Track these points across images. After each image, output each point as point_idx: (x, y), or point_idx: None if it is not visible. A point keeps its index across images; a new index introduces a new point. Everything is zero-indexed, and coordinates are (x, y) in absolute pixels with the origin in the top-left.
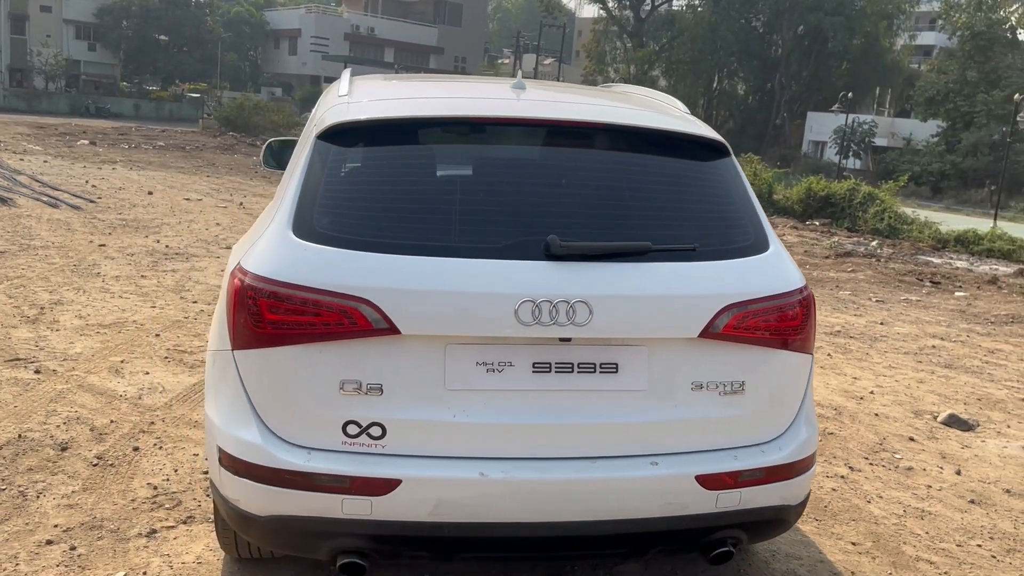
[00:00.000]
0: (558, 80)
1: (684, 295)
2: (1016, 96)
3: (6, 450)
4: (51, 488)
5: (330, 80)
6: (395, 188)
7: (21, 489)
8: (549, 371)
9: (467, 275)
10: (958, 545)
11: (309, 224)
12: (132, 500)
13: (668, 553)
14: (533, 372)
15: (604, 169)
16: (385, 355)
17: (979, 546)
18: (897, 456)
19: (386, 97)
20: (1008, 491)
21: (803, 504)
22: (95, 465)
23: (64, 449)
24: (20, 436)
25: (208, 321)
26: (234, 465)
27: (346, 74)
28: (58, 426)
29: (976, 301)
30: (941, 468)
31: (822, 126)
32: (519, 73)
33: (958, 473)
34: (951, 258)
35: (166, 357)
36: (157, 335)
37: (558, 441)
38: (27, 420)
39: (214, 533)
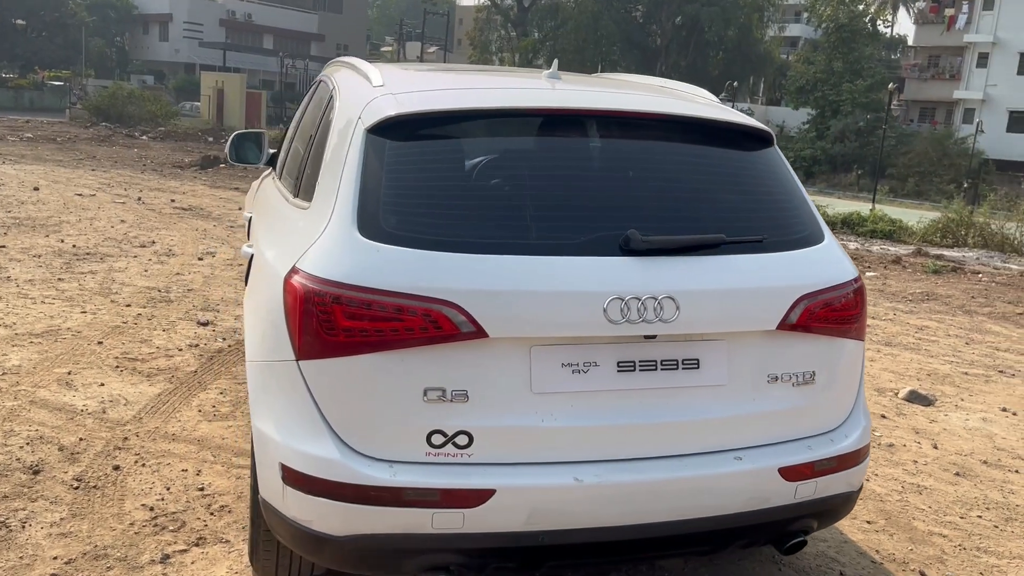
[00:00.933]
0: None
1: (762, 287)
2: (890, 86)
3: None
4: (35, 516)
5: (206, 68)
6: (464, 183)
7: (1, 519)
8: (633, 370)
9: (553, 273)
10: (961, 517)
11: (376, 224)
12: (131, 524)
13: (744, 547)
14: (617, 372)
15: (668, 161)
16: (470, 360)
17: (979, 517)
18: (877, 434)
19: (430, 88)
20: (985, 462)
21: (861, 488)
22: (76, 488)
23: (36, 472)
24: None
25: (150, 326)
26: (306, 483)
27: (363, 63)
28: (22, 447)
29: (888, 280)
30: (919, 443)
31: None
32: (551, 68)
33: (935, 447)
34: (843, 240)
35: (117, 366)
36: (99, 343)
37: (645, 441)
38: None
39: (232, 554)
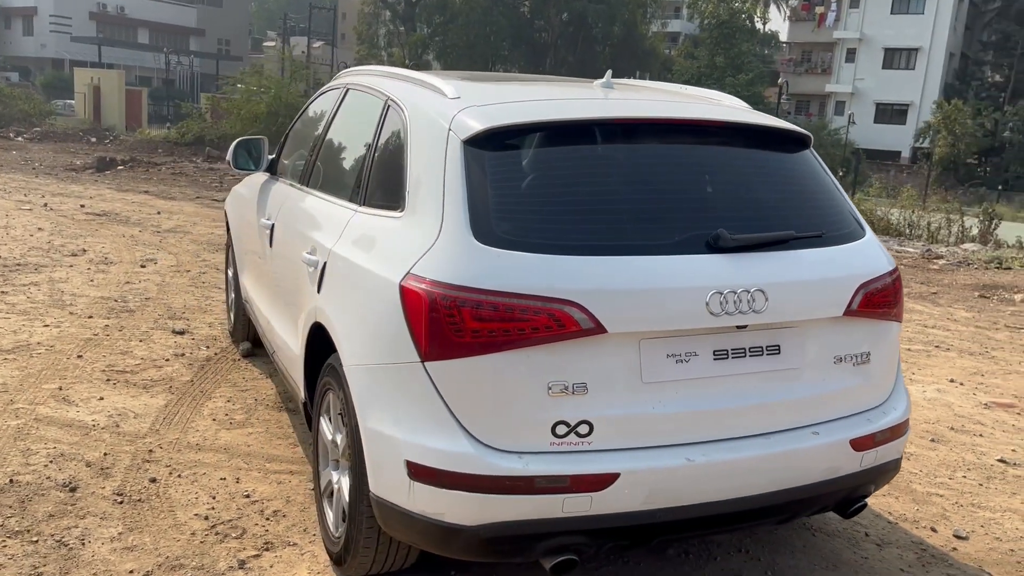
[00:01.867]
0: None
1: (830, 278)
2: (780, 80)
3: (5, 498)
4: (91, 532)
5: (78, 64)
6: (565, 190)
7: (57, 539)
8: (727, 357)
9: (660, 271)
10: (949, 479)
11: (490, 230)
12: (192, 534)
13: (813, 514)
14: (714, 360)
15: (734, 164)
16: (588, 354)
17: (964, 477)
18: None
19: (508, 100)
20: (952, 428)
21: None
22: (120, 503)
23: (73, 489)
24: (12, 481)
25: (123, 337)
26: (437, 478)
27: (419, 74)
28: (47, 465)
29: None
30: None
31: None
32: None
33: None
34: None
35: (108, 380)
36: (79, 356)
37: (740, 422)
38: (5, 464)
39: (305, 556)
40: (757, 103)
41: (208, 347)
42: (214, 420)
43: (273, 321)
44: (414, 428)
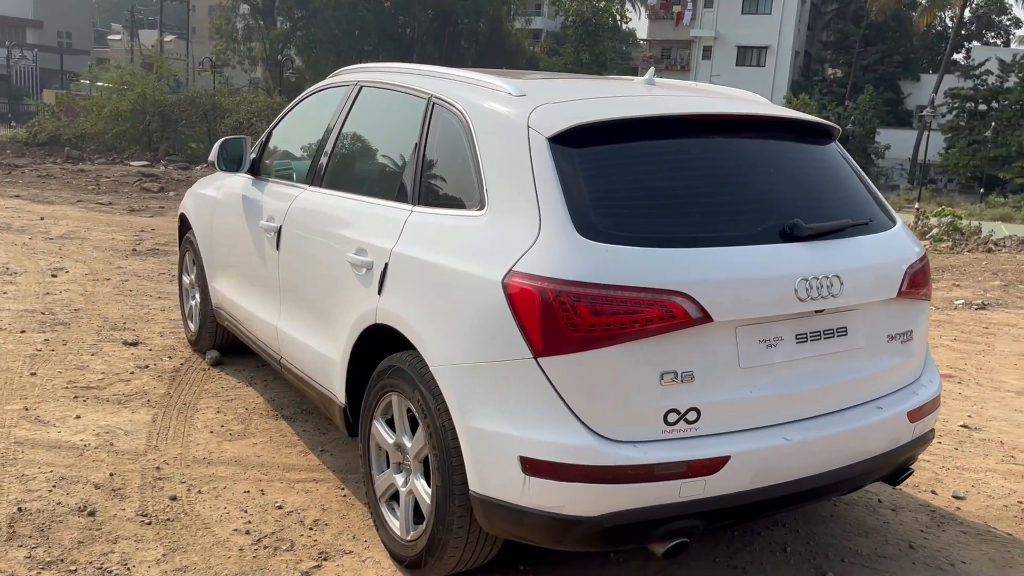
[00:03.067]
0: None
1: (885, 262)
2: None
3: (21, 527)
4: (132, 557)
5: None
6: (654, 184)
7: (97, 566)
8: (807, 340)
9: (757, 260)
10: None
11: (592, 226)
12: (240, 550)
13: (873, 481)
14: (796, 343)
15: (787, 156)
16: (694, 343)
17: (940, 444)
18: None
19: (575, 97)
20: None
21: None
22: (149, 523)
23: (91, 514)
24: (20, 509)
25: (71, 351)
26: (555, 471)
27: (460, 71)
28: (51, 490)
29: None
30: None
31: None
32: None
33: None
34: None
35: (76, 396)
36: (32, 373)
37: (820, 401)
38: (5, 491)
39: (366, 562)
40: None
41: (170, 357)
42: (211, 432)
43: (285, 327)
44: (528, 424)
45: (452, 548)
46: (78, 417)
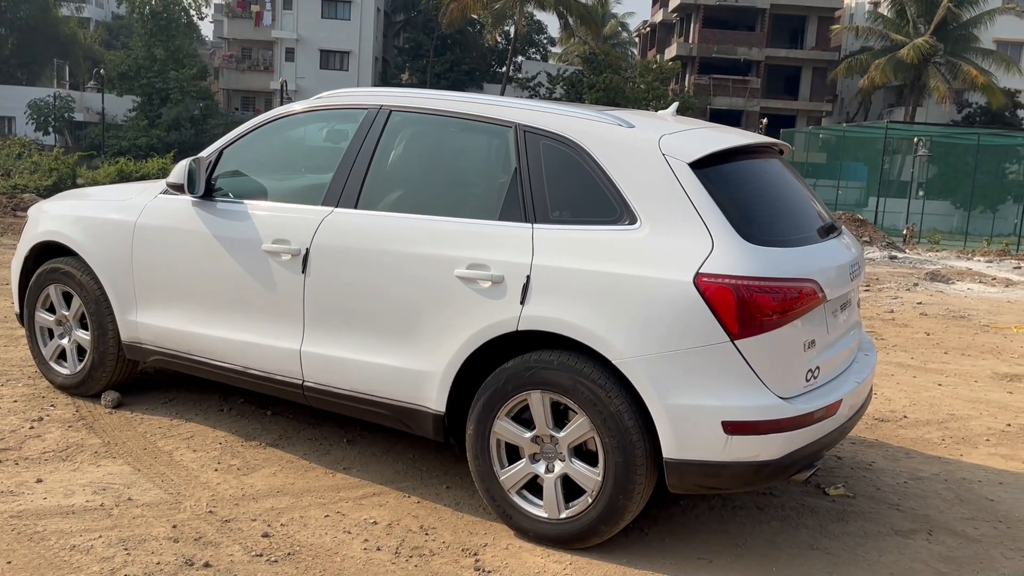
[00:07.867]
0: None
1: (858, 253)
2: (280, 80)
3: None
4: None
5: None
6: (760, 197)
7: None
8: (839, 312)
9: (835, 252)
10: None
11: (750, 233)
12: (393, 563)
13: None
14: (841, 311)
15: (785, 170)
16: (816, 318)
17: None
18: None
19: (674, 129)
20: None
21: None
22: (275, 562)
23: (207, 565)
24: None
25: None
26: (753, 428)
27: (591, 111)
28: (130, 554)
29: None
30: None
31: (9, 100)
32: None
33: None
34: None
35: (2, 460)
36: None
37: (849, 357)
38: (83, 568)
39: (510, 548)
40: (206, 98)
41: (53, 406)
42: (215, 471)
43: (318, 349)
44: (729, 394)
45: (629, 513)
46: (39, 481)
